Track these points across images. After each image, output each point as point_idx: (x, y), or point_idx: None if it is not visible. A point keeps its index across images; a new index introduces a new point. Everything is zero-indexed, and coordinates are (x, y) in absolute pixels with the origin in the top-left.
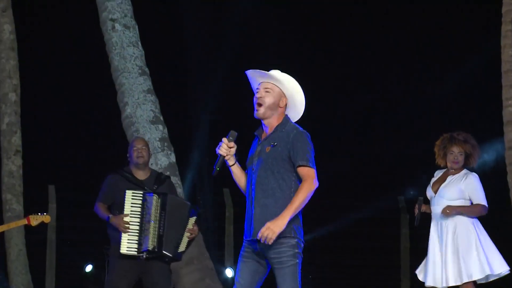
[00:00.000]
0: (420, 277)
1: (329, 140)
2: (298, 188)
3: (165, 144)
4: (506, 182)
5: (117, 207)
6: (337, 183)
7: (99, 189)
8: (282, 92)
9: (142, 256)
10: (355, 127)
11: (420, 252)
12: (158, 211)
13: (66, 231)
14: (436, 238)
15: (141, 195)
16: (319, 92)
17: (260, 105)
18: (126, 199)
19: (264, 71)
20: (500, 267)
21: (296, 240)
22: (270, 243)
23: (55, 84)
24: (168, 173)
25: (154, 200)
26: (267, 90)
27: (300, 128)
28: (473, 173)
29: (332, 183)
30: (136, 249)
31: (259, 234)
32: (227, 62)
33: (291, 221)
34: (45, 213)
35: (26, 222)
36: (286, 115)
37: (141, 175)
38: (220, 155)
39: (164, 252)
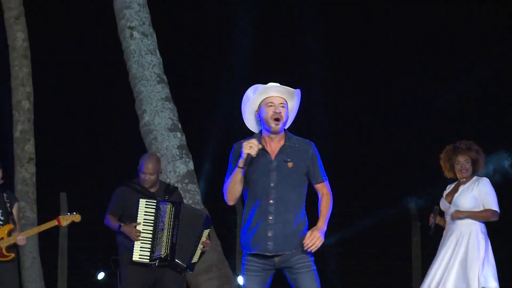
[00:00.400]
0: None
1: (340, 147)
2: (324, 202)
3: (183, 151)
4: None
5: (128, 218)
6: (347, 189)
7: (109, 199)
8: (288, 107)
9: (154, 264)
10: (365, 134)
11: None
12: (172, 220)
13: (78, 238)
14: (447, 248)
15: (155, 203)
16: (330, 96)
17: (279, 119)
18: (139, 207)
19: (289, 88)
20: (493, 283)
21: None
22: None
23: (68, 91)
24: (186, 180)
25: (168, 208)
26: (282, 105)
27: (310, 142)
28: (484, 178)
29: (342, 190)
30: (148, 257)
31: (307, 242)
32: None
33: (304, 236)
34: (74, 212)
35: (57, 223)
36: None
37: (151, 188)
38: (248, 154)
39: (176, 260)
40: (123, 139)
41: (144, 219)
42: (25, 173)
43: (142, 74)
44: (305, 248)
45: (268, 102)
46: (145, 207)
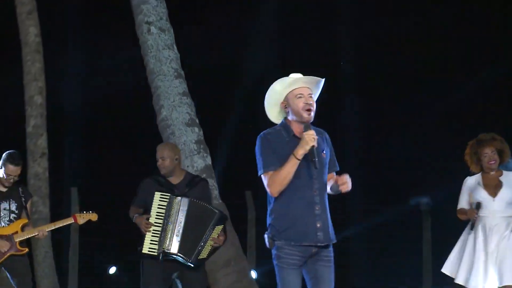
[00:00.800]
0: (459, 280)
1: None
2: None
3: (201, 146)
4: None
5: (147, 210)
6: (357, 187)
7: (122, 191)
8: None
9: (160, 257)
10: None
11: (442, 254)
12: (178, 214)
13: (89, 233)
14: (481, 240)
15: (168, 197)
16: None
17: (311, 110)
18: (154, 200)
19: (317, 77)
20: None
21: None
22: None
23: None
24: (204, 175)
25: (175, 202)
26: (311, 95)
27: (325, 131)
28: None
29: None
30: (156, 250)
31: (343, 180)
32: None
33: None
34: (91, 211)
35: (73, 221)
36: None
37: (174, 179)
38: (312, 146)
39: (178, 254)
40: (138, 135)
41: (157, 212)
42: (38, 167)
43: (160, 69)
44: (341, 183)
45: (297, 94)
46: (159, 200)
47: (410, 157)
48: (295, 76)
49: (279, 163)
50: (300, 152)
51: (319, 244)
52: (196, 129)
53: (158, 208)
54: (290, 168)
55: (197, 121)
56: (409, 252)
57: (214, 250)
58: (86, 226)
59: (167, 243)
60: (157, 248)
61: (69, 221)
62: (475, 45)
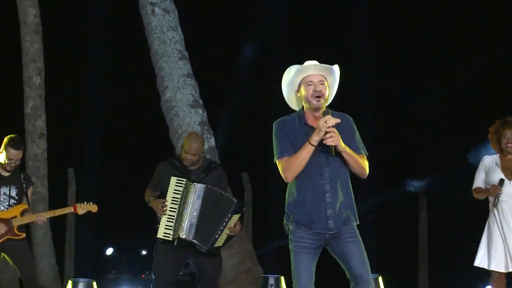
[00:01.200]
0: (483, 263)
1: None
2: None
3: (205, 127)
4: None
5: (163, 194)
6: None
7: (121, 173)
8: (327, 84)
9: (175, 242)
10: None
11: (438, 236)
12: (194, 200)
13: (85, 214)
14: (500, 223)
15: (184, 182)
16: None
17: (320, 97)
18: (170, 185)
19: (327, 65)
20: None
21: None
22: (336, 143)
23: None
24: (208, 156)
25: (192, 188)
26: (321, 82)
27: (348, 115)
28: None
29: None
30: (171, 235)
31: (329, 134)
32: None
33: (356, 210)
34: (91, 202)
35: (73, 210)
36: None
37: (190, 166)
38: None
39: (193, 241)
40: (133, 116)
41: (173, 197)
42: (37, 148)
43: (164, 51)
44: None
45: (308, 81)
46: (175, 185)
47: (408, 141)
48: (306, 63)
49: (293, 150)
50: (315, 138)
51: (330, 232)
52: (200, 111)
53: (174, 193)
54: (305, 154)
55: (201, 102)
56: (405, 234)
57: (229, 238)
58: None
59: (183, 229)
60: (171, 233)
61: (69, 210)
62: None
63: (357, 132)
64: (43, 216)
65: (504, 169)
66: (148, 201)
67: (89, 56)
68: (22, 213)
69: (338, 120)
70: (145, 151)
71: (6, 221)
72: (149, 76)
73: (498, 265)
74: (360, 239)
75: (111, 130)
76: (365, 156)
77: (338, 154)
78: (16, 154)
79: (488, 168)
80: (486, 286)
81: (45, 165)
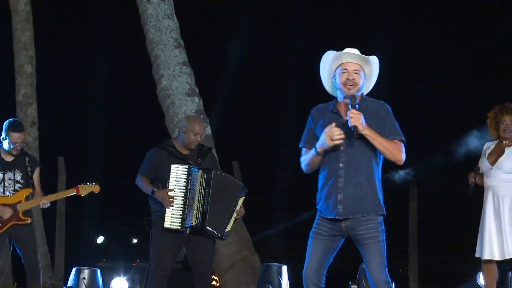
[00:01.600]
0: (477, 253)
1: None
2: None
3: (201, 116)
4: None
5: (160, 181)
6: None
7: (111, 161)
8: (365, 73)
9: (185, 231)
10: None
11: (428, 225)
12: (203, 187)
13: (76, 203)
14: (492, 210)
15: (186, 170)
16: None
17: (352, 85)
18: (171, 173)
19: (362, 55)
20: None
21: (382, 217)
22: (354, 123)
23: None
24: (204, 144)
25: (199, 175)
26: (356, 71)
27: (384, 103)
28: None
29: None
30: (179, 224)
31: (350, 114)
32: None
33: (380, 198)
34: (94, 183)
35: (75, 192)
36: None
37: (184, 150)
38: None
39: (207, 228)
40: (123, 104)
41: (176, 185)
42: (28, 137)
43: (160, 39)
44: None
45: (343, 69)
46: (177, 173)
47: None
48: (344, 51)
49: (312, 143)
50: (319, 150)
51: (338, 218)
52: (196, 99)
53: (177, 181)
54: (312, 159)
55: (197, 90)
56: (394, 221)
57: (234, 221)
58: (73, 196)
59: (195, 216)
60: (180, 222)
61: (72, 192)
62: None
63: (390, 118)
64: (46, 200)
65: (491, 154)
66: (152, 191)
67: (85, 45)
68: (27, 198)
69: (342, 136)
70: (138, 138)
71: (11, 207)
72: (146, 63)
73: (491, 253)
74: (381, 238)
75: (105, 118)
76: (398, 142)
77: (364, 139)
78: (19, 136)
79: (484, 154)
80: (478, 273)
81: (36, 153)
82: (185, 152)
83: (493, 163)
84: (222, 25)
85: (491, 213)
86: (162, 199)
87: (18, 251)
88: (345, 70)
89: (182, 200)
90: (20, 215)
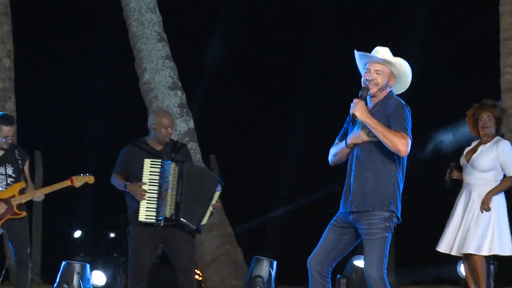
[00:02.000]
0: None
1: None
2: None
3: (184, 110)
4: None
5: (134, 177)
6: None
7: (88, 155)
8: (392, 73)
9: (160, 224)
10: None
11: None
12: (176, 179)
13: (53, 197)
14: (462, 206)
15: (160, 163)
16: None
17: (373, 85)
18: (144, 167)
19: (379, 57)
20: (508, 250)
21: (389, 213)
22: (353, 111)
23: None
24: (187, 139)
25: (172, 168)
26: (378, 72)
27: (402, 102)
28: (505, 140)
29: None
30: (154, 217)
31: (352, 103)
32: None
33: (388, 194)
34: (87, 174)
35: (70, 184)
36: (391, 90)
37: (158, 146)
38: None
39: (181, 219)
40: (100, 97)
41: (150, 179)
42: None
43: (142, 32)
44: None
45: (368, 68)
46: (150, 167)
47: None
48: (375, 49)
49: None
50: (350, 142)
51: (348, 210)
52: (179, 93)
53: (150, 174)
54: (340, 151)
55: (180, 84)
56: None
57: (210, 215)
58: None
59: (169, 208)
60: (155, 215)
61: (66, 184)
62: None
63: (401, 113)
64: (41, 193)
65: (469, 151)
66: (125, 185)
67: (63, 37)
68: (21, 192)
69: (366, 138)
70: (117, 132)
71: (5, 201)
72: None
73: (448, 248)
74: (382, 235)
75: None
76: (401, 134)
77: (371, 134)
78: (10, 130)
79: (465, 151)
80: (459, 262)
81: None
82: (159, 147)
83: (468, 160)
84: (205, 19)
85: (461, 209)
86: (134, 192)
87: (10, 245)
88: (368, 70)
89: (155, 193)
90: (15, 209)
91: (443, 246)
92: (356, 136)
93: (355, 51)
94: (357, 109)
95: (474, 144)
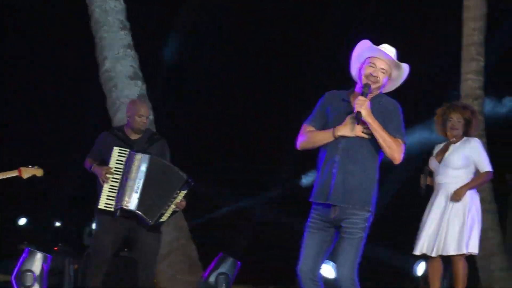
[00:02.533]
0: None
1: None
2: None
3: (144, 101)
4: None
5: (105, 164)
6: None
7: (34, 143)
8: (391, 75)
9: (116, 213)
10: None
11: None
12: (137, 171)
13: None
14: (438, 207)
15: (127, 152)
16: None
17: (375, 82)
18: (112, 154)
19: (395, 59)
20: (474, 249)
21: (369, 214)
22: (358, 109)
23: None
24: None
25: (136, 159)
26: (383, 70)
27: (396, 103)
28: (475, 138)
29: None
30: (112, 206)
31: (357, 101)
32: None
33: (370, 192)
34: (36, 166)
35: (17, 174)
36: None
37: (134, 135)
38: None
39: (137, 212)
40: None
41: (116, 167)
42: None
43: (105, 20)
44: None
45: (371, 62)
46: (118, 155)
47: None
48: (382, 46)
49: (320, 123)
50: (339, 133)
51: (328, 202)
52: (139, 83)
53: (117, 163)
54: (322, 138)
55: (141, 74)
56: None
57: (173, 214)
58: None
59: (126, 199)
60: (113, 203)
61: (13, 173)
62: None
63: (398, 117)
64: None
65: (439, 153)
66: (91, 166)
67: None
68: None
69: (360, 134)
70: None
71: None
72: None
73: (423, 249)
74: (359, 235)
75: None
76: (399, 142)
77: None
78: None
79: (433, 154)
80: (416, 262)
81: None
82: (135, 137)
83: (440, 160)
84: (168, 10)
85: (437, 210)
86: (98, 174)
87: None
88: (373, 65)
89: (117, 182)
90: None
91: (418, 248)
92: (349, 129)
93: (368, 42)
94: (364, 107)
95: (438, 147)
